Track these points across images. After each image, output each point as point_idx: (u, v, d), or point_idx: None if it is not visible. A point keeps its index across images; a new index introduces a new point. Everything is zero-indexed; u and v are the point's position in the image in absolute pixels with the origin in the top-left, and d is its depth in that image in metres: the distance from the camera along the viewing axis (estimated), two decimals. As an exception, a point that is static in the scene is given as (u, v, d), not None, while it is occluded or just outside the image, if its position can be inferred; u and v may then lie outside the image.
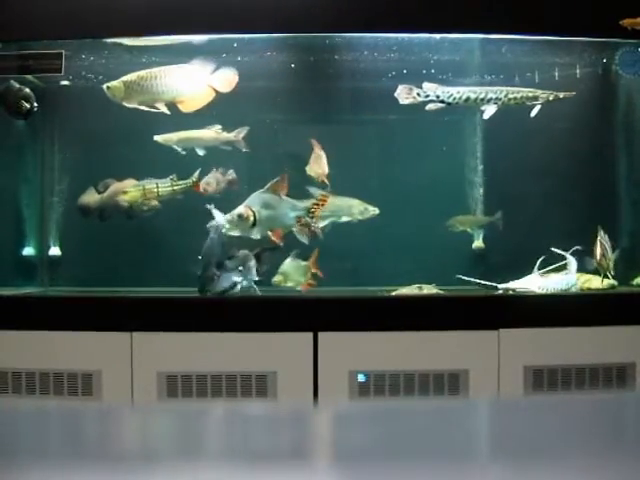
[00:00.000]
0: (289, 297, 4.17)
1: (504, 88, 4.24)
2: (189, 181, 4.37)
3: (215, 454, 1.13)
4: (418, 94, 4.18)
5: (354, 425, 1.28)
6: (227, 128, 4.42)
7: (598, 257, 4.25)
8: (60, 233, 4.67)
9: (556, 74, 4.54)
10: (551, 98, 4.22)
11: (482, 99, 4.20)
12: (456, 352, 3.86)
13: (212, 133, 4.41)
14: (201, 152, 4.37)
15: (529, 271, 4.22)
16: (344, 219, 4.44)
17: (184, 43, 4.34)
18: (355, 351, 3.85)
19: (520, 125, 4.45)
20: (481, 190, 4.67)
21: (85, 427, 1.27)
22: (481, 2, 4.00)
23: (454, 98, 4.20)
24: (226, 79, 4.27)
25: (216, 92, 4.25)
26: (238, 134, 4.39)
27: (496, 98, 4.19)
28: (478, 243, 4.68)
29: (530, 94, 4.22)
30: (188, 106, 4.26)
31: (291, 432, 1.28)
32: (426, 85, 4.19)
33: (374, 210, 4.44)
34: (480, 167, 4.66)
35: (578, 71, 4.55)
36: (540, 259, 4.20)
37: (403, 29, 4.16)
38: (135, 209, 4.41)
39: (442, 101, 4.19)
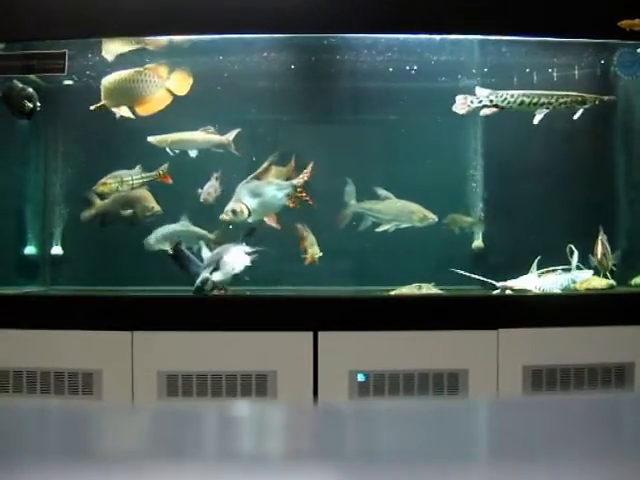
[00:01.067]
0: (289, 296, 4.18)
1: (554, 92, 4.25)
2: (154, 173, 4.38)
3: (214, 454, 1.14)
4: (472, 101, 4.20)
5: (353, 424, 1.29)
6: (219, 130, 4.45)
7: (599, 257, 4.27)
8: (62, 232, 4.68)
9: (554, 75, 4.55)
10: (597, 102, 4.25)
11: (535, 103, 4.21)
12: (455, 352, 3.87)
13: (204, 135, 4.44)
14: (193, 154, 4.39)
15: (528, 271, 4.23)
16: (404, 225, 4.48)
17: (186, 43, 4.36)
18: (355, 351, 3.86)
19: (520, 126, 4.46)
20: (481, 190, 4.67)
21: (85, 426, 1.27)
22: (480, 3, 4.01)
23: (508, 102, 4.21)
24: (181, 81, 4.31)
25: (173, 95, 4.31)
26: (229, 136, 4.42)
27: (548, 102, 4.21)
28: (478, 243, 4.68)
29: (579, 98, 4.24)
30: (148, 109, 4.29)
31: (291, 431, 1.28)
32: (479, 91, 4.22)
33: (433, 218, 4.46)
34: (480, 167, 4.67)
35: (576, 72, 4.56)
36: (537, 259, 4.22)
37: (403, 30, 4.17)
38: (137, 215, 4.43)
39: (496, 105, 4.20)
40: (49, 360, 3.83)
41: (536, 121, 4.23)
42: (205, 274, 4.05)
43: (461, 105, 4.20)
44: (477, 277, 4.26)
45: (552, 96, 4.23)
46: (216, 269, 4.06)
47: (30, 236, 4.74)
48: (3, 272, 4.52)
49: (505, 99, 4.22)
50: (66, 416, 1.34)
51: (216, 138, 4.44)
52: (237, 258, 4.08)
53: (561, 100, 4.23)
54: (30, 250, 4.71)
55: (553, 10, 3.99)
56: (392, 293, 4.25)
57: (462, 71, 4.59)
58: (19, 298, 4.17)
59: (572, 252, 4.26)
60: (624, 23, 3.93)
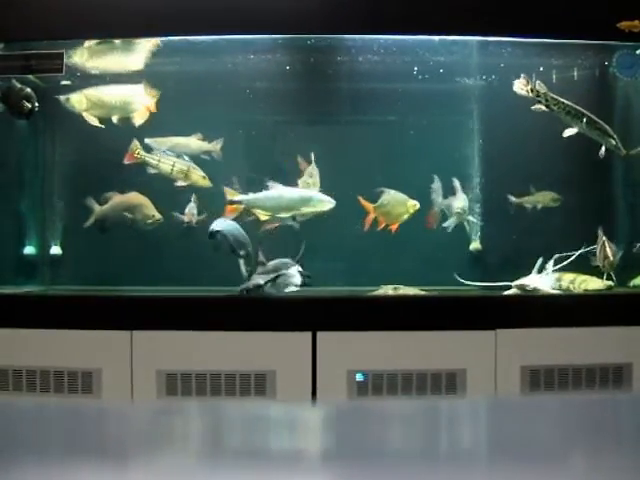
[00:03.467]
0: (288, 297, 4.18)
1: (593, 117, 4.27)
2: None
3: (213, 453, 1.14)
4: (532, 89, 4.21)
5: (352, 424, 1.29)
6: (216, 133, 4.49)
7: (603, 258, 4.27)
8: (61, 232, 4.68)
9: (553, 76, 4.55)
10: (613, 142, 4.28)
11: (577, 117, 4.24)
12: (454, 352, 3.87)
13: (196, 141, 4.46)
14: (187, 157, 4.42)
15: (527, 272, 4.24)
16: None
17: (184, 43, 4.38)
18: (353, 351, 3.86)
19: (521, 127, 4.47)
20: (480, 191, 4.67)
21: (85, 425, 1.28)
22: (479, 4, 4.02)
23: (559, 107, 4.24)
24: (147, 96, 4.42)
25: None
26: (216, 144, 4.47)
27: (585, 123, 4.24)
28: (476, 244, 4.68)
29: (608, 133, 4.27)
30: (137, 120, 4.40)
31: (289, 431, 1.29)
32: (540, 85, 4.23)
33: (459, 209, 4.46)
34: (480, 168, 4.66)
35: (575, 73, 4.57)
36: (537, 259, 4.23)
37: (402, 31, 4.18)
38: (137, 221, 4.44)
39: (548, 105, 4.22)
40: (49, 359, 3.83)
41: (566, 135, 4.26)
42: (259, 280, 4.07)
43: (522, 85, 4.20)
44: (488, 284, 4.26)
45: (591, 120, 4.26)
46: (274, 280, 4.08)
47: (30, 236, 4.74)
48: (3, 272, 4.53)
49: (558, 103, 4.24)
50: (65, 415, 1.35)
51: (205, 145, 4.47)
52: (295, 277, 4.12)
53: (596, 126, 4.26)
54: (30, 250, 4.72)
55: (552, 11, 3.99)
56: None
57: (461, 71, 4.61)
58: (19, 297, 4.18)
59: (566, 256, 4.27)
60: (623, 24, 3.93)
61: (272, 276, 4.08)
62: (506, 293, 4.21)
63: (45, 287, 4.59)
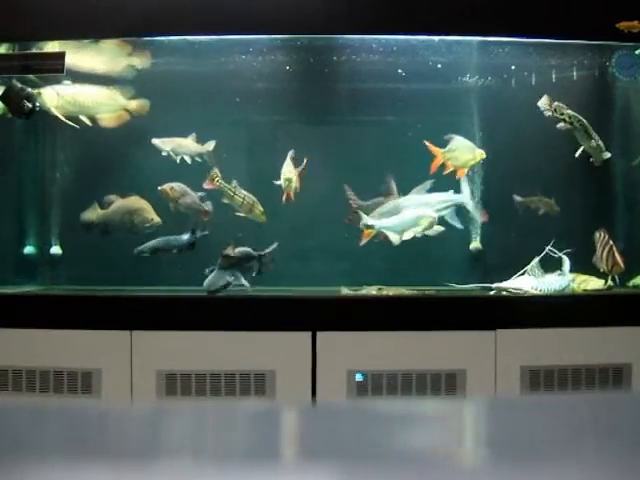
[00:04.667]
0: (288, 296, 4.18)
1: (595, 134, 4.30)
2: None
3: (212, 453, 1.14)
4: (555, 110, 4.25)
5: (351, 424, 1.29)
6: (215, 134, 4.52)
7: (612, 264, 4.26)
8: (61, 232, 4.68)
9: (552, 76, 4.56)
10: (605, 157, 4.33)
11: (587, 133, 4.28)
12: (453, 352, 3.88)
13: (194, 143, 4.48)
14: (187, 158, 4.43)
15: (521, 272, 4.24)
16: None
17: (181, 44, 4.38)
18: (353, 351, 3.87)
19: (520, 126, 4.47)
20: (481, 191, 4.67)
21: (85, 425, 1.28)
22: (478, 4, 4.02)
23: (580, 123, 4.27)
24: (140, 106, 4.45)
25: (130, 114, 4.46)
26: (209, 146, 4.48)
27: (592, 139, 4.28)
28: (476, 244, 4.68)
29: (602, 148, 4.31)
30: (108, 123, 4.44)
31: (289, 431, 1.29)
32: (561, 105, 4.26)
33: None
34: (479, 168, 4.66)
35: (575, 73, 4.58)
36: (534, 259, 4.23)
37: (401, 32, 4.18)
38: (137, 225, 4.44)
39: (571, 123, 4.27)
40: (48, 359, 3.83)
41: (577, 154, 4.31)
42: (227, 278, 4.08)
43: (547, 105, 4.23)
44: (472, 286, 4.26)
45: (595, 138, 4.29)
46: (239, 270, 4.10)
47: (29, 236, 4.74)
48: (3, 272, 4.52)
49: (579, 120, 4.28)
50: (65, 415, 1.34)
51: (200, 147, 4.48)
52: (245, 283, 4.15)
53: (597, 141, 4.29)
54: (29, 249, 4.72)
55: (551, 12, 4.00)
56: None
57: (460, 72, 4.61)
58: (18, 297, 4.18)
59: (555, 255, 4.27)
60: (623, 25, 3.94)
61: (232, 279, 4.11)
62: (506, 294, 4.21)
63: (45, 287, 4.59)
